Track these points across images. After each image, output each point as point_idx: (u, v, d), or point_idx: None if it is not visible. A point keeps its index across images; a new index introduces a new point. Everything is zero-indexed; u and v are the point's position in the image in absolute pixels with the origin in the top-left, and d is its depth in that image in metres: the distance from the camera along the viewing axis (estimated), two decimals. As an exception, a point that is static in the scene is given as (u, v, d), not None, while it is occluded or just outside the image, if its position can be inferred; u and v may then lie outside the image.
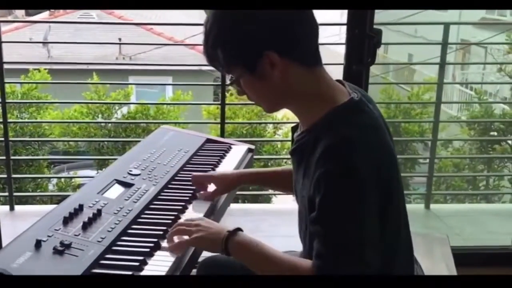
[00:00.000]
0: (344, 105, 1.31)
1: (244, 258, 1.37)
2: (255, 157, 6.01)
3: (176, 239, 1.40)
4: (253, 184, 1.77)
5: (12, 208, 3.32)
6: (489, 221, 3.81)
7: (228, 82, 1.42)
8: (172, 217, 1.56)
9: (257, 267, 1.35)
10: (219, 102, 3.35)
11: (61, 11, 11.05)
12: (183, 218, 1.57)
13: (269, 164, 6.20)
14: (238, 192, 5.33)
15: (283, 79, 1.30)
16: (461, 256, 2.85)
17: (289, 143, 6.54)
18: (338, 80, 1.40)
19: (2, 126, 3.18)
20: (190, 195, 1.70)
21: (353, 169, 1.20)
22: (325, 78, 1.35)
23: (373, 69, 9.42)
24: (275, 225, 3.56)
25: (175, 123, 5.23)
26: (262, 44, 1.27)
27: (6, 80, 4.28)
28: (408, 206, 4.03)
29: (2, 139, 3.17)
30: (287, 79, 1.31)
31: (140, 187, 1.69)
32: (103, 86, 5.57)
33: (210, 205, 1.68)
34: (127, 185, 1.70)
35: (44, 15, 11.80)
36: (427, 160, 5.83)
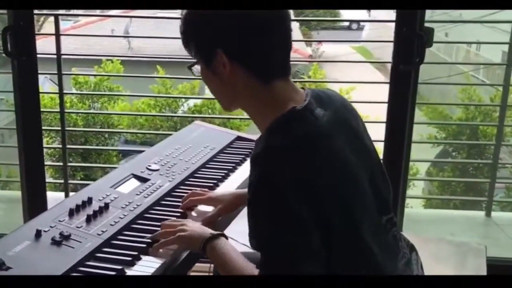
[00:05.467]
0: (284, 115, 1.28)
1: (215, 263, 1.37)
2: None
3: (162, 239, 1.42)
4: None
5: (67, 195, 3.45)
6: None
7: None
8: (179, 214, 1.57)
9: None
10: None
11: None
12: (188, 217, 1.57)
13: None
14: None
15: (231, 81, 1.32)
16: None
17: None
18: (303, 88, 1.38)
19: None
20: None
21: (271, 179, 1.19)
22: (282, 90, 1.32)
23: (462, 67, 8.95)
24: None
25: (234, 118, 5.26)
26: (215, 42, 1.30)
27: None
28: (467, 213, 3.87)
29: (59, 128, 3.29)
30: (235, 82, 1.32)
31: (155, 183, 1.71)
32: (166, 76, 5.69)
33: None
34: (142, 180, 1.72)
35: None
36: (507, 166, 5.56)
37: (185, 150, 1.96)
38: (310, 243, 1.19)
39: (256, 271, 1.26)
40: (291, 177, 1.18)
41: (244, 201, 1.66)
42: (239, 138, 2.15)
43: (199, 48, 1.35)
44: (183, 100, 5.69)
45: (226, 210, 1.61)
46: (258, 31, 1.28)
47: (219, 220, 1.61)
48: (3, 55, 2.52)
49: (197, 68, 1.39)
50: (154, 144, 5.68)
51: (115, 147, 5.82)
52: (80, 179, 5.26)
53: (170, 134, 5.38)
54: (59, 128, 3.30)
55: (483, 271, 1.96)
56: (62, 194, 3.51)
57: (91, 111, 5.69)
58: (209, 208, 1.61)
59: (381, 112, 5.69)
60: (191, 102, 5.79)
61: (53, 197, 3.21)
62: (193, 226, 1.43)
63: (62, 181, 3.50)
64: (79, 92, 5.58)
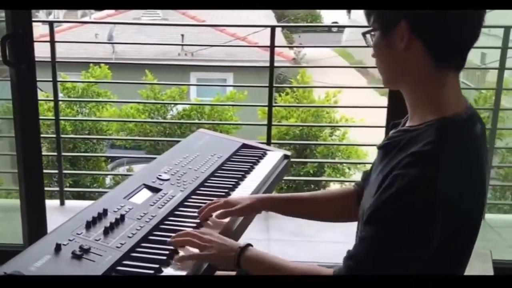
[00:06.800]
0: (454, 118, 1.25)
1: (259, 273, 1.37)
2: (307, 160, 5.94)
3: (186, 250, 1.42)
4: (273, 210, 1.73)
5: (62, 203, 3.42)
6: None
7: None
8: (194, 225, 1.56)
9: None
10: (266, 104, 3.33)
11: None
12: (204, 226, 1.57)
13: (325, 167, 6.15)
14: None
15: (404, 56, 1.26)
16: (509, 271, 2.75)
17: (343, 146, 6.40)
18: None
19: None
20: (216, 202, 1.69)
21: (435, 183, 1.17)
22: (451, 85, 1.28)
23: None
24: (319, 230, 3.52)
25: (223, 124, 5.28)
26: (400, 12, 1.24)
27: (64, 77, 4.44)
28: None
29: (54, 136, 3.27)
30: (408, 58, 1.26)
31: (167, 193, 1.70)
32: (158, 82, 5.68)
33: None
34: (154, 190, 1.71)
35: (110, 11, 12.11)
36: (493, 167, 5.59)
37: (193, 158, 1.95)
38: (424, 250, 1.19)
39: (300, 265, 1.30)
40: (448, 183, 1.17)
41: (263, 205, 1.67)
42: (244, 146, 2.15)
43: (382, 14, 1.28)
44: (172, 105, 5.67)
45: (244, 211, 1.61)
46: (452, 12, 1.21)
47: (234, 229, 1.61)
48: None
49: (370, 37, 1.33)
50: (143, 148, 5.69)
51: (104, 152, 5.78)
52: (69, 186, 5.22)
53: (161, 140, 5.41)
54: (54, 136, 3.30)
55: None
56: (57, 201, 3.49)
57: (86, 118, 5.66)
58: (225, 220, 1.61)
59: (364, 115, 5.77)
60: (180, 107, 5.78)
61: (48, 205, 3.17)
62: (219, 241, 1.41)
63: (57, 188, 3.49)
64: (72, 98, 5.54)
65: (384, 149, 1.34)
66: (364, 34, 1.34)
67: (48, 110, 5.17)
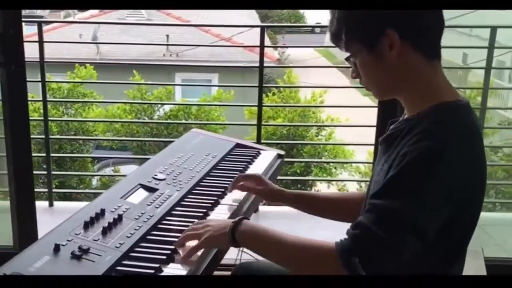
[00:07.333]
0: (453, 103, 1.29)
1: (255, 246, 1.37)
2: (294, 160, 5.94)
3: (187, 244, 1.41)
4: (295, 204, 1.75)
5: (51, 204, 3.40)
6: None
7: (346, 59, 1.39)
8: (193, 225, 1.56)
9: (271, 254, 1.36)
10: (256, 104, 3.33)
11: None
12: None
13: (312, 167, 6.16)
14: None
15: (400, 62, 1.29)
16: (497, 268, 2.78)
17: (330, 145, 6.41)
18: None
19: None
20: (212, 201, 1.70)
21: (445, 154, 1.19)
22: (440, 73, 1.33)
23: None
24: (312, 229, 3.52)
25: (211, 124, 5.27)
26: (385, 22, 1.26)
27: (50, 78, 4.40)
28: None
29: (43, 136, 3.24)
30: (403, 63, 1.29)
31: (164, 192, 1.70)
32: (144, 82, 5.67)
33: (233, 211, 1.66)
34: (151, 189, 1.71)
35: (94, 11, 12.04)
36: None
37: (188, 158, 1.95)
38: (431, 224, 1.20)
39: (300, 237, 1.30)
40: (454, 157, 1.19)
41: (280, 199, 1.70)
42: (238, 145, 2.16)
43: (363, 32, 1.30)
44: (159, 105, 5.66)
45: (266, 193, 1.68)
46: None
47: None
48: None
49: (352, 60, 1.35)
50: (129, 149, 5.67)
51: (90, 153, 5.75)
52: (55, 187, 5.19)
53: (148, 140, 5.38)
54: (43, 137, 3.27)
55: (483, 273, 2.00)
56: (45, 203, 3.47)
57: (74, 118, 5.62)
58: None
59: (349, 115, 5.81)
60: (167, 107, 5.77)
61: (37, 206, 3.15)
62: (214, 223, 1.42)
63: (45, 190, 3.46)
64: (59, 99, 5.50)
65: (387, 141, 1.36)
66: (347, 59, 1.36)
67: (33, 111, 5.13)
